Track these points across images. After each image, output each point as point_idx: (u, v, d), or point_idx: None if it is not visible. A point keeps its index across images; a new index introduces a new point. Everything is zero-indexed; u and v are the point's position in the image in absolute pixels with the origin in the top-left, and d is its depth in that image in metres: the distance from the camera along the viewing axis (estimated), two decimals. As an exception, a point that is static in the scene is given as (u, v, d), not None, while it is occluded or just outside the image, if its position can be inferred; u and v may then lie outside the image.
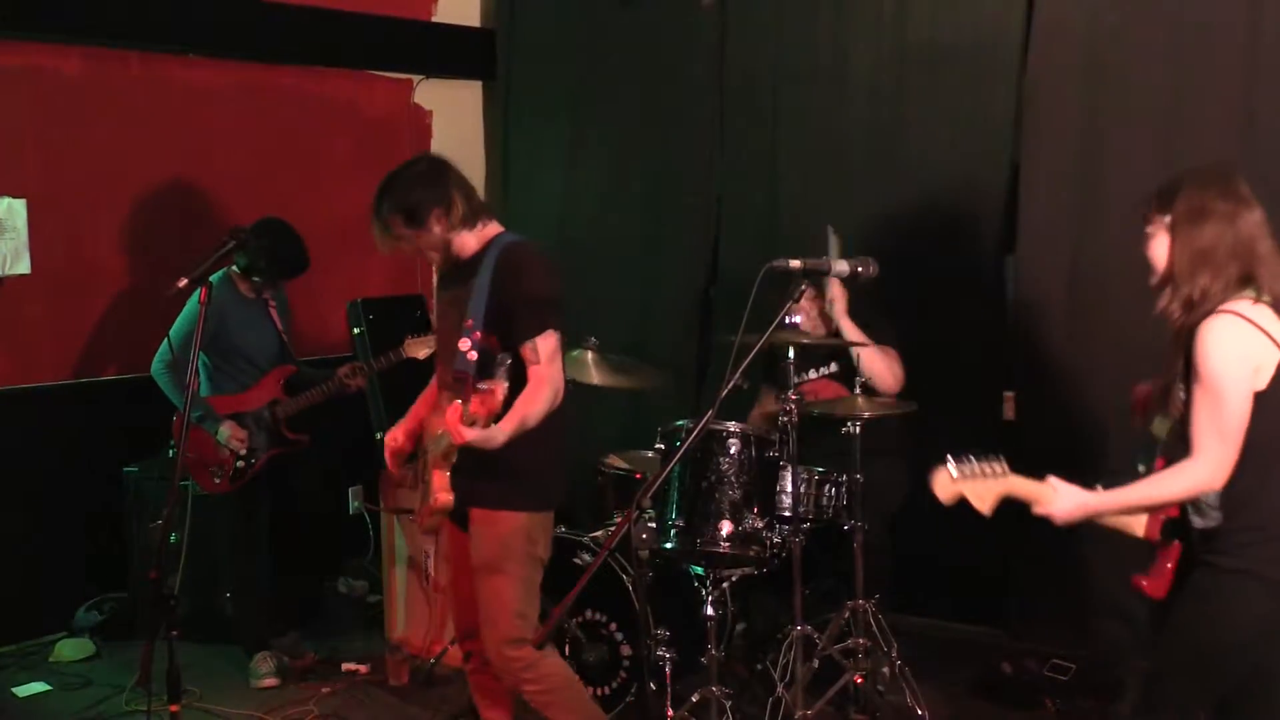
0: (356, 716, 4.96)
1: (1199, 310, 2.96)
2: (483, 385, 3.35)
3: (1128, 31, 5.10)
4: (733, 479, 4.31)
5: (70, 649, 5.62)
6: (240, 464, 5.18)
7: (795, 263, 3.10)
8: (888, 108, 5.81)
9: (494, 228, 3.87)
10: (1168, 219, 3.04)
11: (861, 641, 4.58)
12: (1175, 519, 3.11)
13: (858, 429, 4.51)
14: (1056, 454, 4.99)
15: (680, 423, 4.55)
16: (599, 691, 4.61)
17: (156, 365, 5.12)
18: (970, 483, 3.02)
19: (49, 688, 5.31)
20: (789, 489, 4.40)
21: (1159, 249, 3.07)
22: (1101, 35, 5.17)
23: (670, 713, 4.41)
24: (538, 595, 3.86)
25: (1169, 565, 3.12)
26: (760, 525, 4.31)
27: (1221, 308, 2.93)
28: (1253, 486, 2.93)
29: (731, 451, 4.34)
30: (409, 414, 4.15)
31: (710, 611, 4.34)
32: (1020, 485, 3.04)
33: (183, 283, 3.85)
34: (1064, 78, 5.27)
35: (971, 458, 3.04)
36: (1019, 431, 5.44)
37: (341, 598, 6.29)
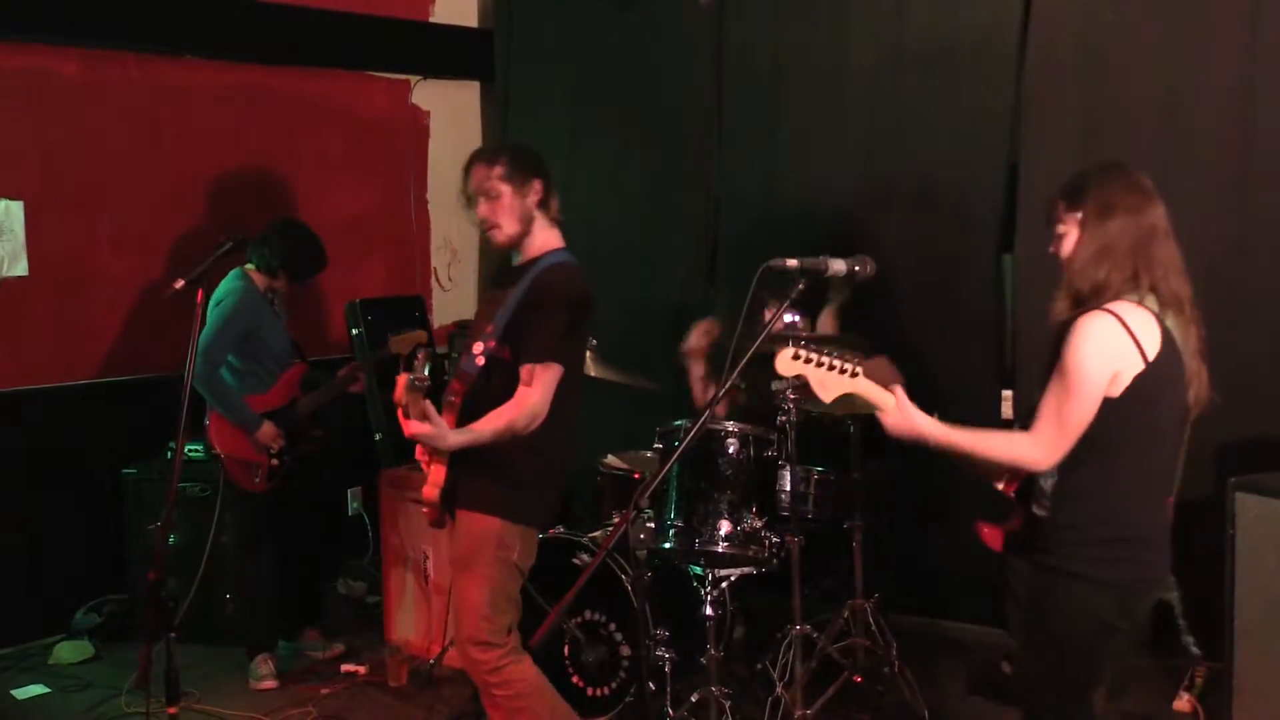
0: (356, 717, 4.96)
1: (1091, 303, 2.94)
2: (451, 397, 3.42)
3: (1126, 30, 5.10)
4: (731, 479, 4.31)
5: (69, 651, 5.62)
6: (275, 462, 5.23)
7: (792, 262, 3.09)
8: (886, 107, 5.81)
9: (557, 239, 3.91)
10: (1079, 215, 3.03)
11: (861, 641, 4.58)
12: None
13: (853, 428, 4.52)
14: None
15: (678, 423, 4.56)
16: (598, 692, 4.61)
17: (200, 370, 4.90)
18: (815, 370, 2.95)
19: (48, 690, 5.30)
20: (787, 488, 4.40)
21: (1069, 245, 3.06)
22: (1099, 34, 5.17)
23: (670, 713, 4.41)
24: (511, 601, 3.85)
25: (1017, 521, 3.15)
26: (759, 525, 4.31)
27: (1104, 306, 2.91)
28: (1087, 487, 2.94)
29: (730, 451, 4.34)
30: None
31: (709, 611, 4.34)
32: (867, 388, 2.98)
33: (180, 284, 3.86)
34: (1062, 77, 5.27)
35: (823, 347, 2.97)
36: (1018, 430, 5.42)
37: (341, 599, 6.30)
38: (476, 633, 3.77)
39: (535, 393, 3.65)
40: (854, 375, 2.96)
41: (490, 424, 3.62)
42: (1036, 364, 5.27)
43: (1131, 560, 2.95)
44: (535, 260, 3.82)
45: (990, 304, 5.56)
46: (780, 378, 4.38)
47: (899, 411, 2.99)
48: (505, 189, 3.77)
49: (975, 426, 3.04)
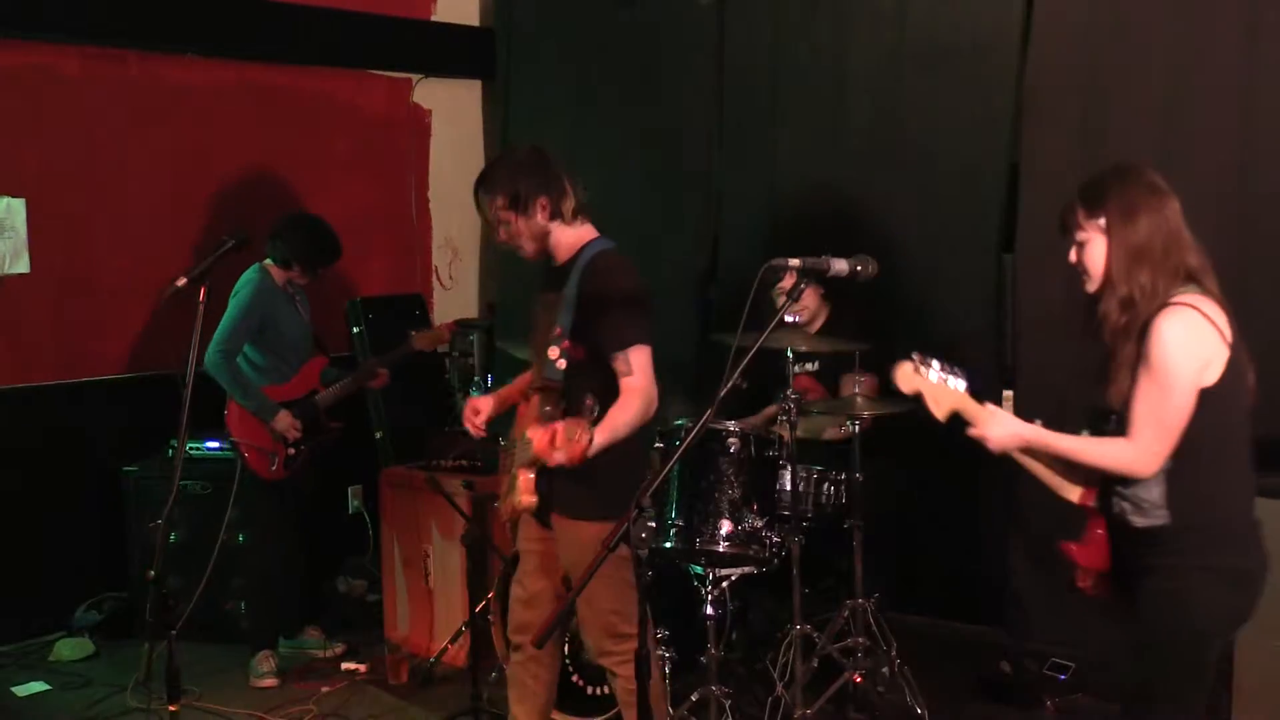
0: (356, 716, 4.97)
1: (1147, 306, 2.93)
2: (571, 429, 3.32)
3: (1126, 31, 5.09)
4: (732, 478, 4.31)
5: (69, 648, 5.63)
6: (291, 451, 5.28)
7: (794, 261, 3.09)
8: (887, 107, 5.81)
9: (589, 231, 3.89)
10: (1101, 221, 3.02)
11: (861, 641, 4.58)
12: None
13: (857, 428, 4.52)
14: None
15: (679, 422, 4.55)
16: (598, 690, 4.60)
17: (213, 357, 5.12)
18: (933, 385, 2.98)
19: (48, 687, 5.31)
20: (788, 488, 4.40)
21: (1096, 254, 3.04)
22: (1100, 35, 5.16)
23: (670, 712, 4.40)
24: (633, 590, 3.85)
25: (1099, 533, 3.13)
26: (760, 524, 4.31)
27: (1177, 300, 2.91)
28: (1204, 483, 2.93)
29: (731, 451, 4.33)
30: (501, 391, 4.14)
31: (710, 611, 4.34)
32: (968, 404, 3.01)
33: (182, 281, 3.85)
34: (1063, 77, 5.27)
35: (936, 361, 3.00)
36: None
37: (341, 597, 6.30)
38: (611, 627, 3.77)
39: (640, 378, 3.65)
40: (960, 389, 3.01)
41: (615, 420, 3.57)
42: (1036, 363, 5.34)
43: (1255, 546, 2.99)
44: (574, 258, 3.81)
45: (991, 304, 5.56)
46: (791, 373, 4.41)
47: (999, 424, 3.00)
48: (511, 216, 3.77)
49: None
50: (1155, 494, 2.96)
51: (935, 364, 3.02)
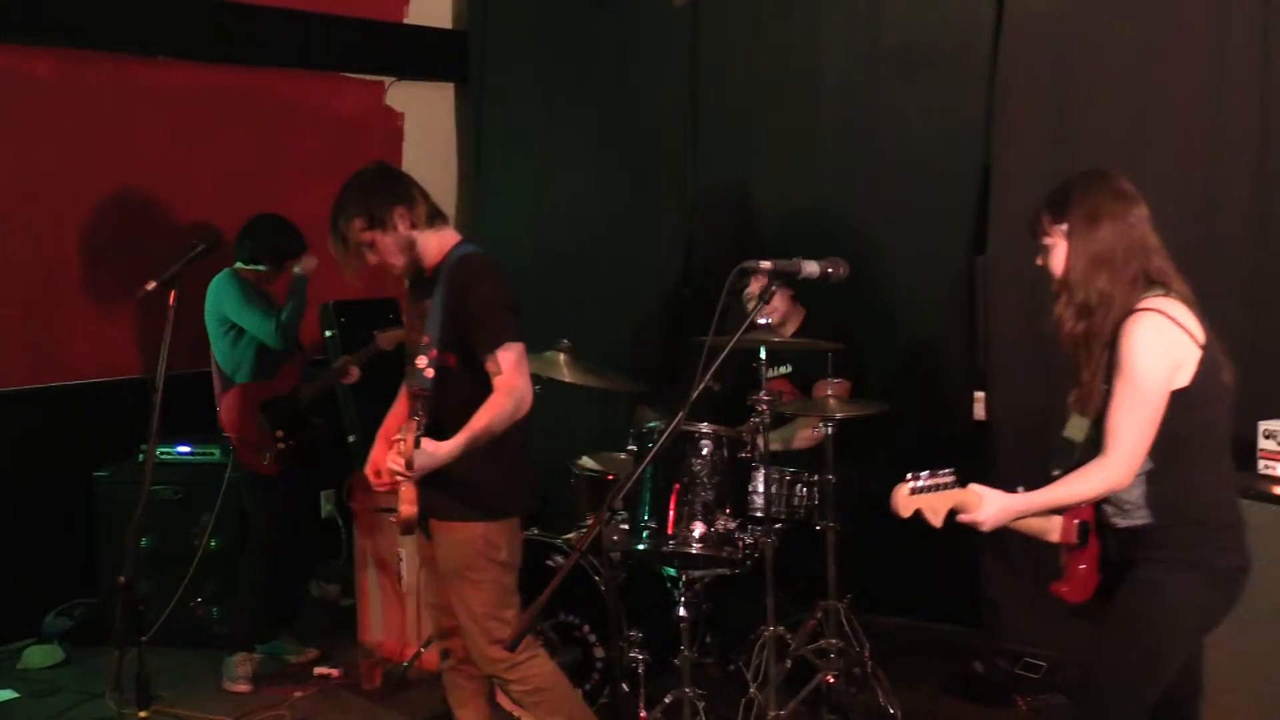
0: (329, 720, 4.96)
1: (1109, 313, 2.94)
2: (401, 430, 3.38)
3: (1097, 34, 5.13)
4: (705, 480, 4.31)
5: (38, 655, 5.58)
6: (282, 446, 5.32)
7: (766, 264, 3.10)
8: (860, 110, 5.83)
9: (451, 236, 3.86)
10: (1064, 227, 3.03)
11: (834, 642, 4.59)
12: (1086, 521, 3.11)
13: (830, 429, 4.53)
14: (1027, 454, 5.04)
15: (652, 424, 4.55)
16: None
17: (273, 338, 5.28)
18: (926, 497, 2.95)
19: (16, 695, 5.26)
20: (761, 490, 4.40)
21: (1059, 258, 3.05)
22: (1071, 37, 5.20)
23: (643, 714, 4.41)
24: (513, 595, 3.86)
25: (1082, 568, 3.13)
26: (733, 526, 4.31)
27: (1143, 306, 2.92)
28: (1182, 481, 2.94)
29: (704, 452, 4.33)
30: (383, 428, 4.12)
31: (683, 613, 4.35)
32: (959, 498, 2.97)
33: (152, 285, 3.84)
34: (1034, 80, 5.30)
35: (924, 472, 2.97)
36: (990, 432, 5.46)
37: (314, 601, 6.28)
38: (489, 633, 3.76)
39: (510, 375, 3.63)
40: (953, 485, 2.96)
41: (480, 421, 3.57)
42: (1007, 364, 5.37)
43: (1239, 549, 3.00)
44: (440, 264, 3.79)
45: (962, 305, 5.59)
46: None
47: (988, 505, 2.96)
48: (374, 236, 3.75)
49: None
50: (1135, 495, 2.98)
51: (923, 475, 2.96)
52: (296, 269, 5.44)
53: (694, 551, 4.27)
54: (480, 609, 3.76)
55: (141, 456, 5.47)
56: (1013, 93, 5.35)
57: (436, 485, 3.62)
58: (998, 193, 5.39)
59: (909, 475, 2.95)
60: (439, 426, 3.57)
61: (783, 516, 4.56)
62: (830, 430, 4.54)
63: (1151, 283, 2.97)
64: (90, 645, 5.65)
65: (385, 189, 3.78)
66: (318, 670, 5.40)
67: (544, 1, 6.95)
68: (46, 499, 5.85)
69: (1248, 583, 3.02)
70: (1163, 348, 2.90)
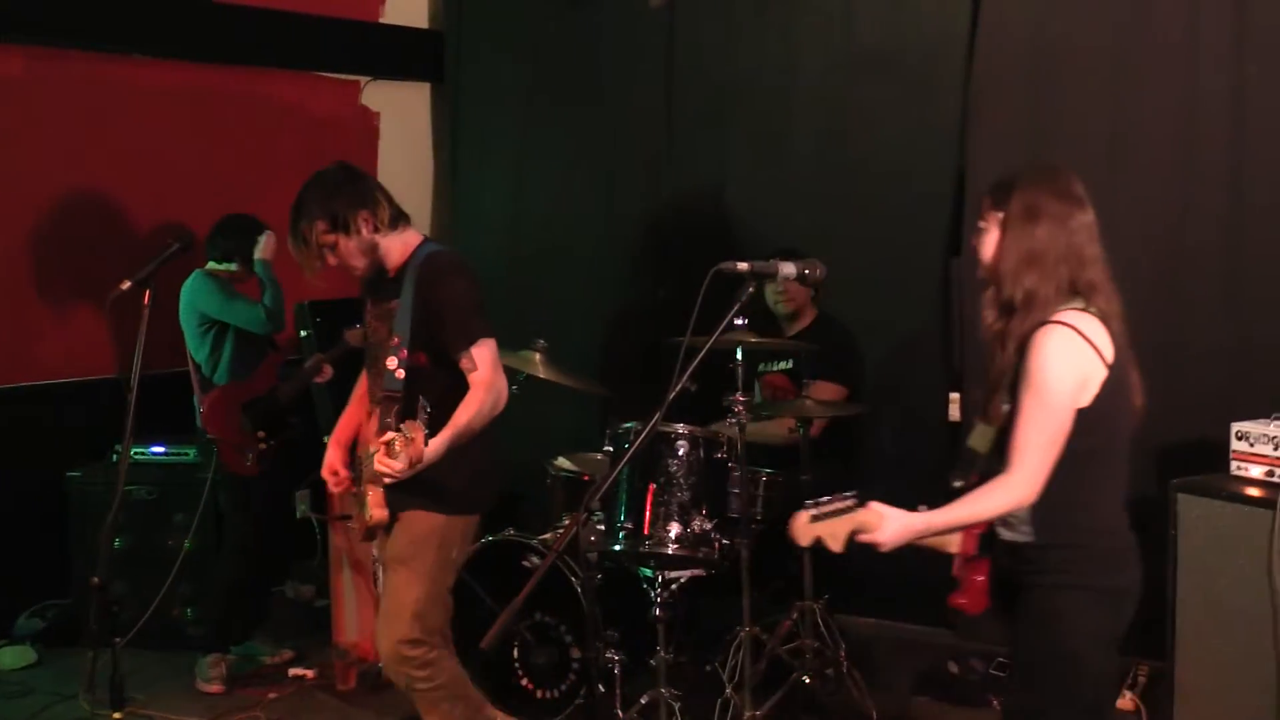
0: (303, 722, 4.94)
1: (1027, 317, 2.86)
2: (405, 430, 3.32)
3: (1072, 38, 5.16)
4: (681, 481, 4.32)
5: (10, 657, 5.54)
6: (263, 446, 5.31)
7: (743, 265, 3.10)
8: (836, 111, 5.85)
9: (414, 236, 3.86)
10: (1000, 215, 2.95)
11: (810, 642, 4.61)
12: (984, 532, 3.03)
13: (803, 430, 4.54)
14: (1001, 455, 5.05)
15: (629, 425, 4.56)
16: (547, 694, 4.61)
17: (264, 326, 5.31)
18: (826, 523, 2.87)
19: (-12, 696, 5.24)
20: (736, 490, 4.41)
21: (988, 244, 2.98)
22: (1046, 42, 5.22)
23: (619, 714, 4.41)
24: (444, 599, 3.86)
25: (980, 579, 3.05)
26: (709, 527, 4.32)
27: (1055, 319, 2.83)
28: (1069, 502, 2.85)
29: (680, 453, 4.34)
30: (337, 434, 4.10)
31: (659, 613, 4.35)
32: (858, 519, 2.87)
33: (126, 285, 3.83)
34: (1009, 84, 5.33)
35: (824, 498, 2.90)
36: (965, 432, 5.48)
37: (289, 602, 6.25)
38: (409, 631, 3.75)
39: (486, 372, 3.64)
40: (853, 510, 2.88)
41: (460, 418, 3.57)
42: (982, 365, 5.37)
43: (1126, 566, 2.93)
44: (406, 264, 3.78)
45: (938, 307, 5.61)
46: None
47: (888, 525, 2.86)
48: (335, 239, 3.73)
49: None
50: (1023, 510, 2.88)
51: (823, 500, 2.90)
52: (257, 254, 5.42)
53: (670, 552, 4.28)
54: (411, 601, 3.76)
55: (116, 457, 5.44)
56: (987, 96, 5.37)
57: (408, 483, 3.60)
58: (972, 195, 5.41)
59: (807, 503, 2.88)
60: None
61: (759, 517, 4.58)
62: (805, 432, 4.55)
63: (1075, 294, 2.88)
64: (63, 646, 5.61)
65: (349, 192, 3.77)
66: (292, 671, 5.39)
67: (520, 1, 6.94)
68: (19, 499, 5.80)
69: (1136, 597, 2.94)
70: (1071, 363, 2.81)
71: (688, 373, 2.96)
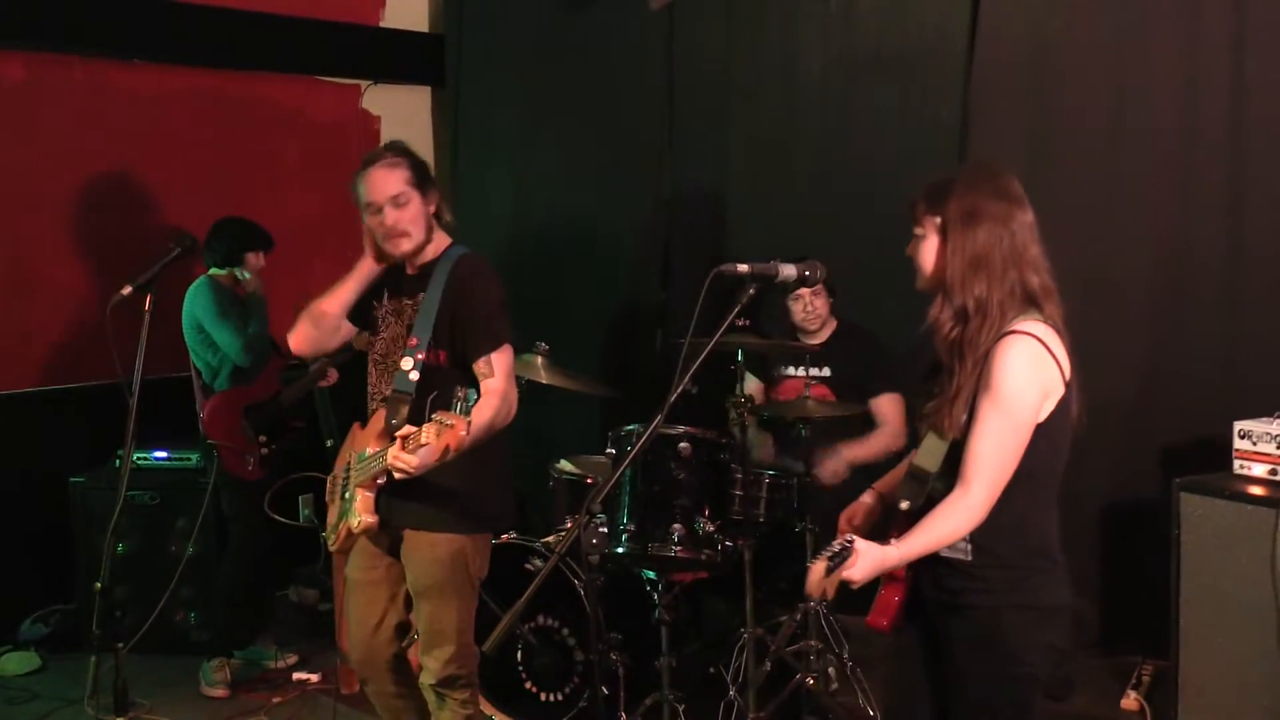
0: (307, 726, 4.94)
1: (983, 326, 2.76)
2: (447, 419, 3.19)
3: (1071, 36, 5.15)
4: (684, 483, 4.31)
5: (15, 662, 5.55)
6: (265, 451, 5.34)
7: (743, 267, 3.09)
8: (836, 113, 5.84)
9: (444, 238, 3.82)
10: (938, 220, 2.84)
11: (814, 643, 4.60)
12: None
13: (806, 431, 4.54)
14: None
15: (631, 427, 4.55)
16: (551, 697, 4.60)
17: (241, 356, 5.27)
18: (836, 574, 2.74)
19: (-7, 702, 5.24)
20: (739, 492, 4.41)
21: (928, 251, 2.87)
22: (1046, 40, 5.22)
23: (623, 717, 4.41)
24: (474, 618, 3.84)
25: (897, 599, 2.93)
26: (712, 529, 4.32)
27: (1018, 329, 2.73)
28: (1013, 519, 2.76)
29: (682, 455, 4.33)
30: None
31: (662, 616, 4.35)
32: (852, 559, 2.75)
33: (128, 290, 3.83)
34: (1009, 84, 5.32)
35: (835, 545, 2.77)
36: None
37: (292, 606, 6.26)
38: (458, 650, 3.72)
39: (500, 380, 3.60)
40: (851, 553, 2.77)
41: (481, 418, 3.50)
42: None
43: (1064, 584, 2.86)
44: (436, 261, 3.73)
45: (940, 307, 5.60)
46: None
47: (862, 562, 2.74)
48: (415, 196, 3.67)
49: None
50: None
51: (835, 547, 2.76)
52: (242, 275, 5.41)
53: (673, 554, 4.28)
54: (452, 622, 3.72)
55: (118, 462, 5.44)
56: (988, 95, 5.36)
57: (415, 494, 3.56)
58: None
59: (824, 552, 2.77)
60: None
61: (762, 518, 4.57)
62: (806, 432, 4.55)
63: (1027, 300, 2.78)
64: (67, 652, 5.62)
65: (430, 171, 3.80)
66: (296, 675, 5.40)
67: (520, 3, 6.95)
68: (22, 504, 5.81)
69: (1069, 621, 2.87)
70: (1037, 377, 2.72)
71: (689, 374, 2.95)
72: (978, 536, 2.78)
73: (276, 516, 5.07)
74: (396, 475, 3.42)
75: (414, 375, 3.59)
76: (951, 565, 2.83)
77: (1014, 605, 2.79)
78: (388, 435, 3.54)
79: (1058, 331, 2.79)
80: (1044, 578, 2.83)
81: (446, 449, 3.24)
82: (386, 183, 3.64)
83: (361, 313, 3.88)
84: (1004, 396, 2.71)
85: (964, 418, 2.76)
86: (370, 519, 3.63)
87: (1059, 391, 2.75)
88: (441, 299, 3.63)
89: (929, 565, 2.85)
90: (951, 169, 2.99)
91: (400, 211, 3.65)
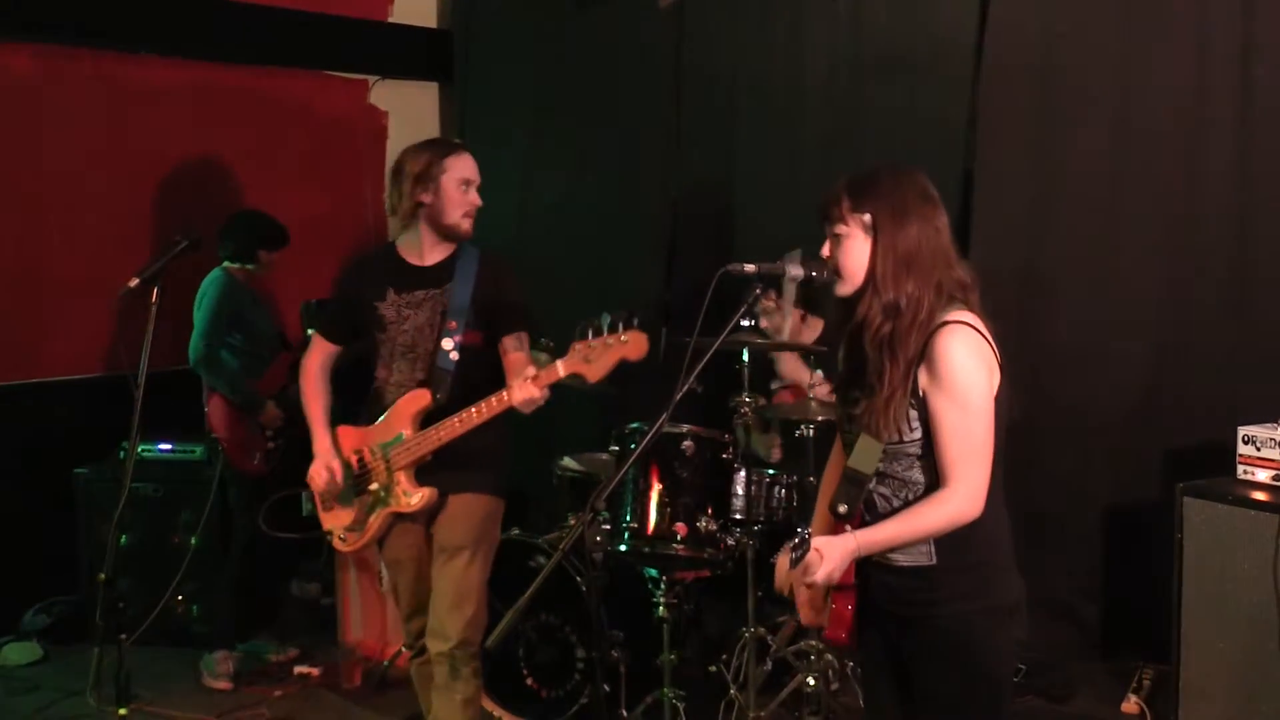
0: (308, 719, 4.94)
1: (912, 320, 2.70)
2: (620, 337, 3.63)
3: (1080, 36, 5.15)
4: (687, 481, 4.32)
5: (17, 653, 5.56)
6: (271, 445, 5.39)
7: (750, 266, 3.09)
8: (843, 113, 5.84)
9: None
10: (866, 218, 2.77)
11: (814, 643, 4.60)
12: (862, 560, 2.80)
13: (810, 431, 4.54)
14: (1007, 454, 5.05)
15: (635, 425, 4.56)
16: (552, 694, 4.61)
17: (199, 353, 5.28)
18: (795, 573, 2.72)
19: (-5, 692, 5.25)
20: (741, 491, 4.41)
21: (854, 251, 2.80)
22: (1054, 40, 5.22)
23: (624, 714, 4.41)
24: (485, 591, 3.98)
25: (850, 608, 2.87)
26: (714, 528, 4.32)
27: (956, 319, 2.69)
28: (976, 519, 2.69)
29: (686, 454, 4.34)
30: (320, 444, 4.09)
31: (664, 614, 4.35)
32: (811, 558, 2.70)
33: (134, 282, 3.84)
34: (1017, 83, 5.32)
35: (798, 538, 2.73)
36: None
37: (294, 600, 6.27)
38: (481, 612, 3.90)
39: (525, 354, 3.91)
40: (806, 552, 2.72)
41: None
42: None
43: (1018, 576, 2.82)
44: (455, 256, 3.96)
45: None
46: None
47: (829, 558, 2.67)
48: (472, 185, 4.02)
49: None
50: (956, 526, 2.71)
51: (798, 541, 2.72)
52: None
53: (675, 553, 4.28)
54: (480, 583, 3.90)
55: (123, 454, 5.45)
56: (995, 96, 5.36)
57: (461, 463, 3.80)
58: (980, 196, 5.40)
59: (788, 545, 2.74)
60: (464, 402, 3.74)
61: (763, 518, 4.58)
62: (810, 432, 4.55)
63: (952, 296, 2.74)
64: (69, 643, 5.63)
65: None
66: (297, 669, 5.40)
67: (529, 1, 6.94)
68: (27, 496, 5.82)
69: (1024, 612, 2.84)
70: (983, 361, 2.68)
71: (694, 373, 2.95)
72: (940, 539, 2.71)
73: (277, 534, 5.05)
74: (527, 409, 3.63)
75: (454, 355, 3.83)
76: (909, 573, 2.77)
77: (982, 609, 2.75)
78: (436, 410, 3.78)
79: (985, 319, 2.75)
80: (1003, 575, 2.79)
81: (622, 360, 3.62)
82: (476, 167, 4.00)
83: (353, 330, 4.12)
84: (959, 389, 2.67)
85: (902, 417, 2.70)
86: (432, 491, 3.83)
87: (997, 376, 2.72)
88: (475, 287, 3.89)
89: (881, 575, 2.80)
90: (870, 167, 2.90)
91: (429, 196, 3.91)
